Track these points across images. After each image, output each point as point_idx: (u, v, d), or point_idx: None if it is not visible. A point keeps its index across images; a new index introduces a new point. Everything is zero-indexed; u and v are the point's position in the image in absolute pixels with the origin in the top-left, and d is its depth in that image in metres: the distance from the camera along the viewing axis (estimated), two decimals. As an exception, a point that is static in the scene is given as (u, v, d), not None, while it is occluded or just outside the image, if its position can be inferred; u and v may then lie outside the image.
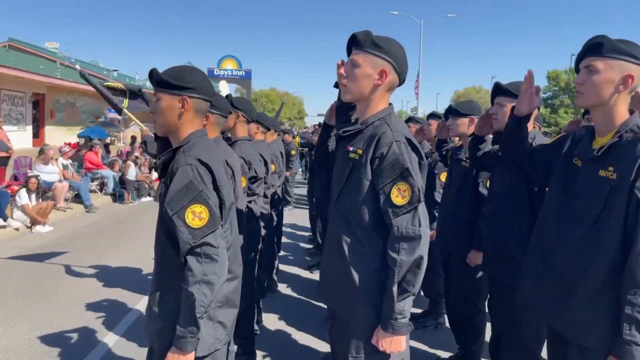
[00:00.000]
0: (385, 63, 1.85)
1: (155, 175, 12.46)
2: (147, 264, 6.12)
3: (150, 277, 5.62)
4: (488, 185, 3.29)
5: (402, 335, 1.75)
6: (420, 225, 1.72)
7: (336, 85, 2.21)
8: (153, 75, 1.83)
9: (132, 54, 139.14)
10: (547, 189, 2.06)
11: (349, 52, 1.95)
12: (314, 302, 4.91)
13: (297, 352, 3.83)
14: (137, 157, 12.29)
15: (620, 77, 1.70)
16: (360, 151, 1.83)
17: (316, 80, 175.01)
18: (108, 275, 5.63)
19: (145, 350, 3.71)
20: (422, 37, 36.81)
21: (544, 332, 2.52)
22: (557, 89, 42.62)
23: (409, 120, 5.17)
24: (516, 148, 2.16)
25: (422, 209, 1.75)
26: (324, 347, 3.89)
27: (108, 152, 14.76)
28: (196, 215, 1.67)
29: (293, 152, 10.43)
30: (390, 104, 1.94)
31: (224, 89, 46.45)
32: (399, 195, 1.72)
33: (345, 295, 1.85)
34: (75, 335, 4.04)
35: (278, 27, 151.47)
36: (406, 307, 1.73)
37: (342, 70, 1.91)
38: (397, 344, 1.76)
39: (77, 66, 5.64)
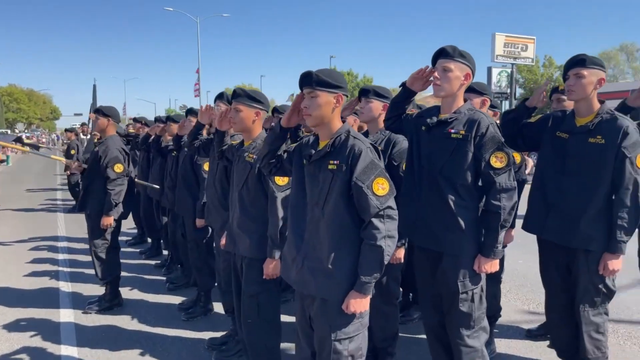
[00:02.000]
0: (467, 68, 2.56)
1: None
2: (21, 280, 5.46)
3: (36, 290, 5.13)
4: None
5: (498, 258, 2.51)
6: (514, 180, 2.49)
7: (401, 85, 2.79)
8: (312, 76, 2.18)
9: None
10: (536, 156, 3.04)
11: (434, 62, 2.60)
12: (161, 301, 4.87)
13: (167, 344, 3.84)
14: None
15: (596, 80, 2.72)
16: (462, 132, 2.50)
17: (68, 75, 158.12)
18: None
19: (119, 353, 3.71)
20: (199, 35, 37.07)
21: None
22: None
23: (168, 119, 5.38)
24: (518, 125, 3.05)
25: (513, 169, 2.51)
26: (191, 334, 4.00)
27: None
28: (380, 186, 2.12)
29: None
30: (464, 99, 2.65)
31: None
32: (497, 161, 2.45)
33: (452, 238, 2.51)
34: (24, 356, 3.62)
35: (22, 16, 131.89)
36: (502, 238, 2.48)
37: (436, 74, 2.55)
38: (495, 265, 2.51)
39: None
